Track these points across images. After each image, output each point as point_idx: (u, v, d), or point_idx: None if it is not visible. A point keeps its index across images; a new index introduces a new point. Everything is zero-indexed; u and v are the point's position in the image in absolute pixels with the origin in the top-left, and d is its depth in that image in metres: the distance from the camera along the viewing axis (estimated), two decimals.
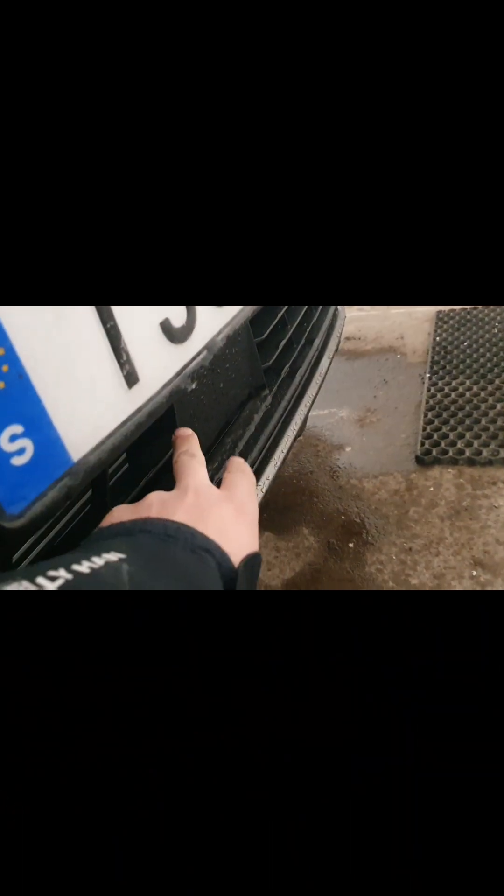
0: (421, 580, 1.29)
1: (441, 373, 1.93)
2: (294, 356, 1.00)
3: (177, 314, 0.62)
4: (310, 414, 1.02)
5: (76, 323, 0.47)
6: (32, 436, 0.43)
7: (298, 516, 1.54)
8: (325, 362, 1.10)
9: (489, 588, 1.23)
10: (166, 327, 0.60)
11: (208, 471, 0.70)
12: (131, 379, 0.54)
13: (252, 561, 0.41)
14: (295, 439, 0.93)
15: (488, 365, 1.90)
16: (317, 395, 1.04)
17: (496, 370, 1.87)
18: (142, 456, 0.63)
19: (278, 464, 0.83)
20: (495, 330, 2.08)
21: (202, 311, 0.67)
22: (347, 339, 2.36)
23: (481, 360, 1.94)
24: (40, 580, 0.29)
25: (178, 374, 0.62)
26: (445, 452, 1.58)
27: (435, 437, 1.65)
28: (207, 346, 0.69)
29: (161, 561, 0.36)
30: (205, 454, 0.72)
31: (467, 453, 1.56)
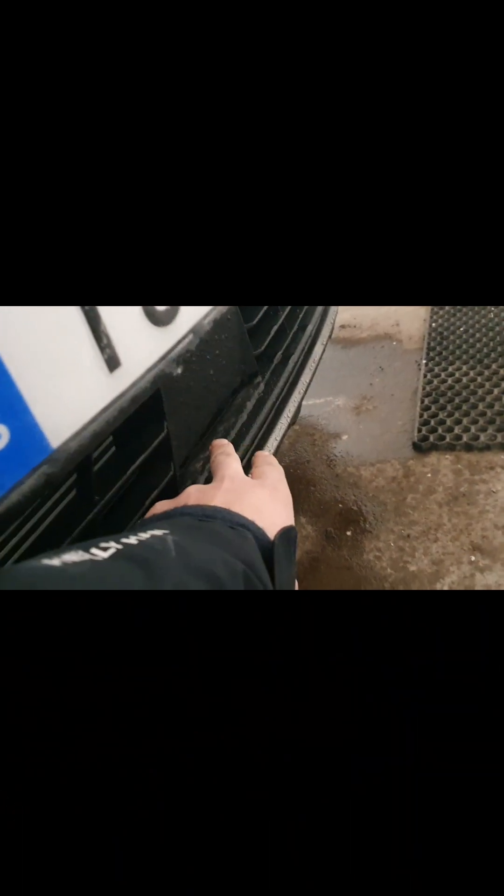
0: (420, 566, 1.29)
1: (437, 359, 1.92)
2: (287, 342, 0.99)
3: None
4: (306, 403, 1.02)
5: (53, 306, 0.45)
6: (7, 422, 0.42)
7: (296, 505, 1.53)
8: (318, 349, 1.09)
9: (487, 573, 1.24)
10: (149, 310, 0.58)
11: (200, 459, 0.70)
12: (112, 363, 0.53)
13: (287, 533, 0.44)
14: (289, 427, 0.92)
15: (485, 350, 1.90)
16: (311, 382, 1.03)
17: (493, 355, 1.86)
18: (130, 443, 0.62)
19: (272, 452, 0.83)
20: (491, 315, 2.07)
21: None
22: (342, 326, 2.34)
23: (477, 345, 1.93)
24: (94, 550, 0.32)
25: (162, 358, 0.61)
26: (443, 438, 1.58)
27: (432, 423, 1.64)
28: (193, 330, 0.67)
29: (202, 533, 0.39)
30: (197, 443, 0.72)
31: (464, 439, 1.55)
